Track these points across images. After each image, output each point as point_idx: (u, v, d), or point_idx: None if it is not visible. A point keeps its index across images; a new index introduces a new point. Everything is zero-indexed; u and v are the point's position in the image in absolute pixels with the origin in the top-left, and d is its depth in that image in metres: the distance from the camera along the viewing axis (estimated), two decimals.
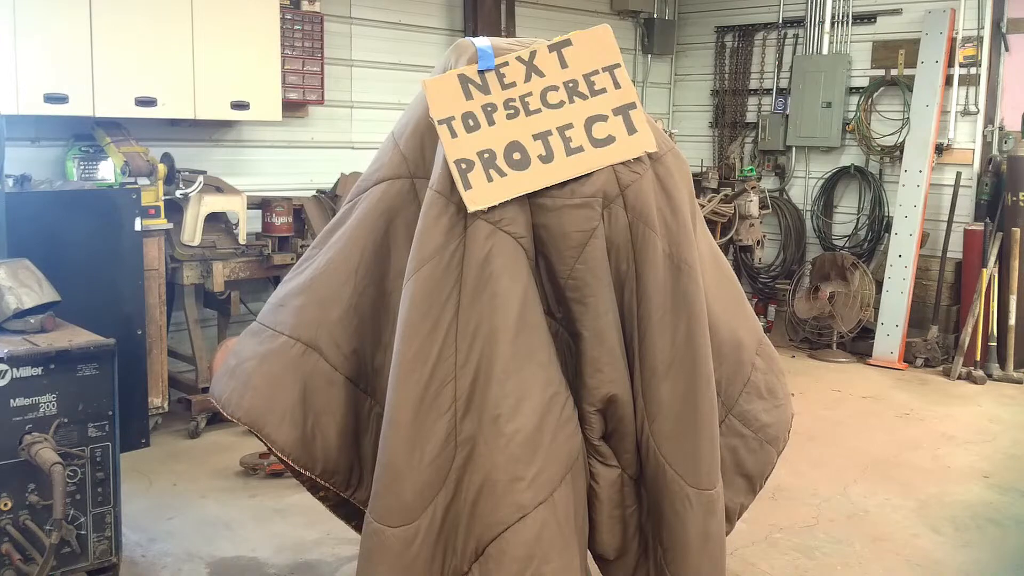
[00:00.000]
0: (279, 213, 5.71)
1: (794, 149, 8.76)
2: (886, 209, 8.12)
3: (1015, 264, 7.06)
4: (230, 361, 2.83)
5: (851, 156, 8.44)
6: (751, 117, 9.13)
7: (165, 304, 5.17)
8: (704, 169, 8.54)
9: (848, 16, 8.35)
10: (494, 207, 2.57)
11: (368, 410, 2.79)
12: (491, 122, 2.66)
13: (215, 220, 5.58)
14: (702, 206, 7.20)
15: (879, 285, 7.58)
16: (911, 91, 7.77)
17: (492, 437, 2.50)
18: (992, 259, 7.05)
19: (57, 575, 3.30)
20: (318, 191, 6.31)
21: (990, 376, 6.98)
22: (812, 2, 8.57)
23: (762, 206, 8.04)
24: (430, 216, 2.59)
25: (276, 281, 5.52)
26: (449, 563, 2.56)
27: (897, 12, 8.07)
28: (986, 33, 7.53)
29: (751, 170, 8.42)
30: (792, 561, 3.97)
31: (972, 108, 7.64)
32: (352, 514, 3.13)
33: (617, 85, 2.76)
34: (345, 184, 6.14)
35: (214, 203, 5.47)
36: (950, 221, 7.47)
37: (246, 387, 2.72)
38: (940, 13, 7.62)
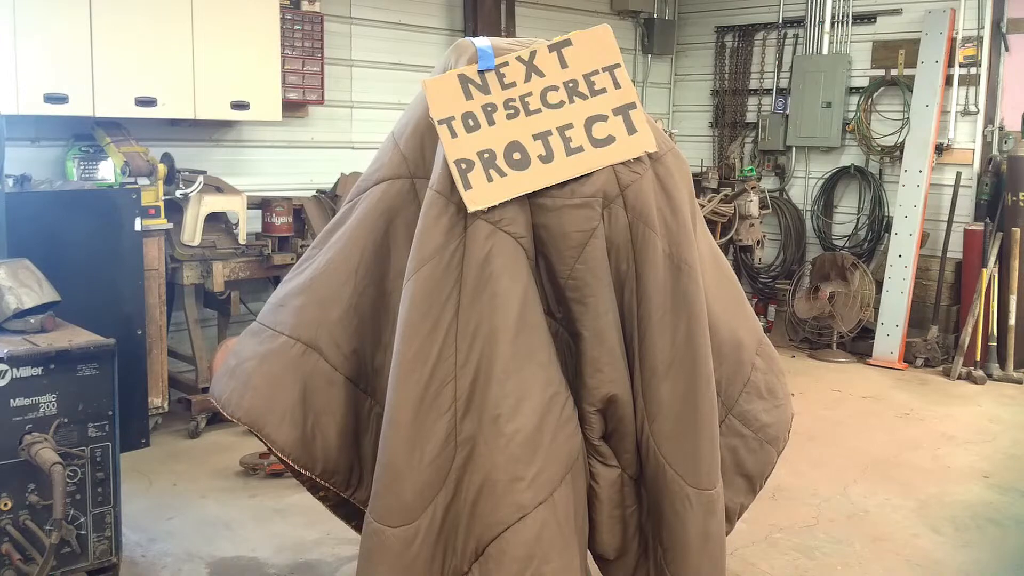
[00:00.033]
0: (279, 213, 5.71)
1: (794, 149, 8.76)
2: (886, 209, 8.12)
3: (1015, 264, 7.06)
4: (230, 361, 2.83)
5: (851, 156, 8.44)
6: (751, 117, 9.12)
7: (165, 304, 5.17)
8: (704, 169, 8.53)
9: (848, 16, 8.35)
10: (494, 207, 2.57)
11: (368, 410, 2.79)
12: (491, 122, 2.66)
13: (215, 220, 5.58)
14: (702, 206, 7.20)
15: (879, 285, 7.58)
16: (911, 91, 7.76)
17: (492, 437, 2.50)
18: (992, 259, 7.05)
19: (57, 575, 3.30)
20: (318, 191, 6.32)
21: (990, 376, 6.98)
22: (812, 2, 8.56)
23: (762, 206, 8.04)
24: (430, 216, 2.59)
25: (276, 281, 5.52)
26: (449, 563, 2.56)
27: (897, 12, 8.07)
28: (986, 33, 7.53)
29: (751, 170, 8.42)
30: (792, 561, 3.97)
31: (972, 108, 7.64)
32: (352, 514, 3.13)
33: (617, 85, 2.75)
34: (345, 184, 6.14)
35: (214, 203, 5.48)
36: (950, 221, 7.47)
37: (246, 387, 2.72)
38: (940, 13, 7.61)
